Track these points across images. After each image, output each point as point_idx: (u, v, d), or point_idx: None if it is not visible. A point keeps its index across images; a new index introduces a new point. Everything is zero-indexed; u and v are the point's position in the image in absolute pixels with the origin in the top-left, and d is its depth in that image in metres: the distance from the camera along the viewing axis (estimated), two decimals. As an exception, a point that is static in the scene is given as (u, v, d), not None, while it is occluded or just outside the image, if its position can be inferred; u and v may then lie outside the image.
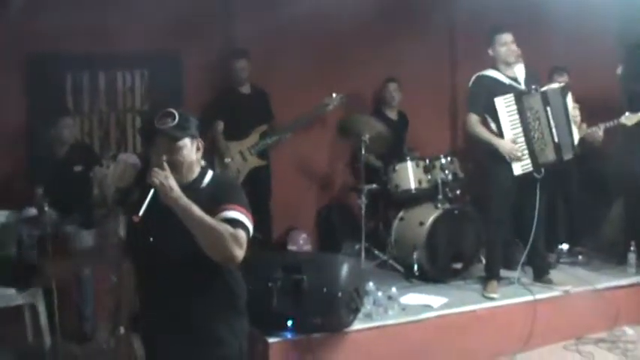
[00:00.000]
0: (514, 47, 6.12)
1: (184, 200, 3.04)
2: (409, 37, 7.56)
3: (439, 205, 6.74)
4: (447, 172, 6.90)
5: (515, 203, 6.23)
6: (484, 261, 6.60)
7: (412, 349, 5.47)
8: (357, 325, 5.33)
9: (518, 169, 6.04)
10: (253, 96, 7.25)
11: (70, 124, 6.54)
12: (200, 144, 3.29)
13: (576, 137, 6.24)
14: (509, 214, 6.28)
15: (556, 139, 6.10)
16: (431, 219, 6.62)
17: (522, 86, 6.09)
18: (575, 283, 6.43)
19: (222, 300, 3.26)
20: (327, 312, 5.06)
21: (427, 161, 6.98)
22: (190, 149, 3.24)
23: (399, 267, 6.89)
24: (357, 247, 6.94)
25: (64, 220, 6.07)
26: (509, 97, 6.01)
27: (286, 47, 7.32)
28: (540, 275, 6.46)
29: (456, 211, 6.79)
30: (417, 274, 6.62)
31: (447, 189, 6.91)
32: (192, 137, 3.24)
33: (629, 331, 6.22)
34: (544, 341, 6.00)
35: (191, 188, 3.22)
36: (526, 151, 6.04)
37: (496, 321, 5.93)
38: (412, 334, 5.57)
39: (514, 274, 6.45)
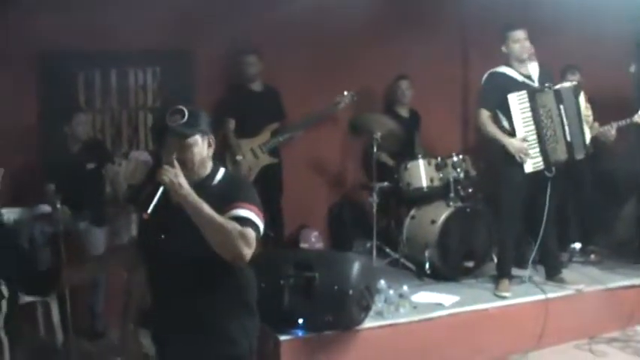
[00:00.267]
0: (527, 44, 6.10)
1: (194, 198, 3.03)
2: (420, 34, 7.54)
3: (451, 204, 6.73)
4: (458, 170, 6.88)
5: (527, 202, 6.21)
6: (496, 259, 6.60)
7: (423, 347, 5.47)
8: (368, 323, 5.34)
9: (529, 167, 6.02)
10: (265, 94, 7.24)
11: (83, 121, 6.55)
12: (211, 140, 3.28)
13: (588, 137, 6.22)
14: (520, 212, 6.26)
15: (568, 138, 6.08)
16: (442, 217, 6.61)
17: (536, 84, 6.08)
18: (587, 282, 6.43)
19: (232, 298, 3.25)
20: (339, 310, 5.06)
21: (439, 159, 6.96)
22: (201, 146, 3.23)
23: (410, 265, 6.89)
24: (368, 245, 6.95)
25: (77, 217, 6.08)
26: (523, 94, 5.99)
27: (298, 45, 7.30)
28: (552, 274, 6.44)
29: (467, 210, 6.77)
30: (428, 272, 6.62)
31: (459, 187, 6.90)
32: (203, 134, 3.23)
33: (642, 330, 6.22)
34: (556, 340, 5.98)
35: (202, 185, 3.21)
36: (537, 149, 6.03)
37: (508, 320, 5.92)
38: (423, 332, 5.57)
39: (526, 273, 6.43)
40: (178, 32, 6.84)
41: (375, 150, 6.86)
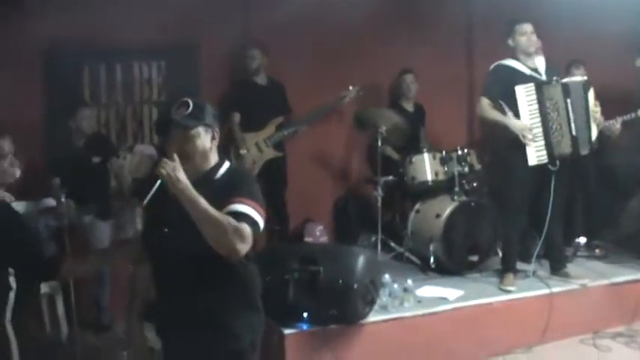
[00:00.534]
0: (534, 38, 6.09)
1: (190, 192, 3.04)
2: (426, 28, 7.55)
3: (455, 198, 6.73)
4: (463, 164, 6.88)
5: (532, 196, 6.21)
6: (500, 254, 6.59)
7: (428, 341, 5.47)
8: (372, 317, 5.33)
9: (533, 159, 6.01)
10: (270, 88, 7.25)
11: (88, 116, 6.56)
12: (216, 134, 3.29)
13: (594, 133, 6.20)
14: (525, 206, 6.25)
15: (574, 132, 6.06)
16: (447, 211, 6.61)
17: (543, 77, 6.07)
18: (592, 276, 6.40)
19: (234, 294, 3.24)
20: (343, 303, 5.06)
21: (444, 153, 6.97)
22: (204, 138, 3.24)
23: (415, 259, 6.89)
24: (373, 239, 6.96)
25: (82, 211, 6.09)
26: (530, 87, 5.98)
27: (303, 39, 7.31)
28: (557, 268, 6.44)
29: (472, 204, 6.78)
30: (433, 266, 6.62)
31: (464, 181, 6.90)
32: (207, 126, 3.24)
33: (647, 325, 6.21)
34: (560, 335, 5.97)
35: (205, 178, 3.23)
36: (542, 142, 6.01)
37: (512, 314, 5.91)
38: (428, 326, 5.56)
39: (530, 267, 6.42)
40: (183, 27, 6.86)
41: (380, 144, 6.86)
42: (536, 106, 5.99)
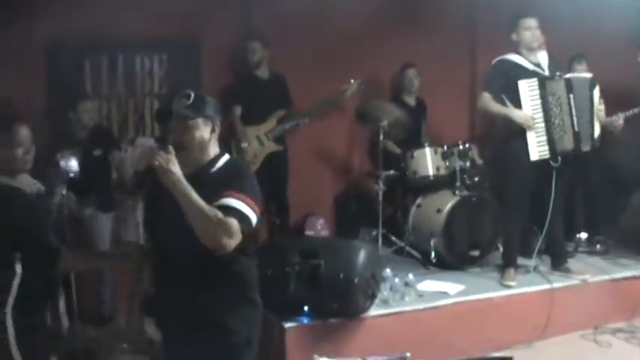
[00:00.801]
0: (538, 33, 6.09)
1: (182, 184, 3.05)
2: (427, 22, 7.54)
3: (457, 192, 6.74)
4: (464, 158, 6.88)
5: (533, 191, 6.20)
6: (501, 249, 6.60)
7: (428, 335, 5.47)
8: (373, 311, 5.34)
9: (534, 154, 6.00)
10: (271, 81, 7.23)
11: (89, 108, 6.56)
12: (216, 126, 3.30)
13: (597, 131, 6.20)
14: (526, 201, 6.25)
15: (576, 128, 6.05)
16: (448, 206, 6.61)
17: (546, 72, 6.07)
18: (593, 272, 6.42)
19: (230, 288, 3.25)
20: (344, 297, 5.06)
21: (445, 148, 6.96)
22: (202, 130, 3.25)
23: (416, 254, 6.90)
24: (374, 233, 6.95)
25: (83, 204, 6.08)
26: (533, 82, 5.98)
27: (304, 33, 7.29)
28: (558, 264, 6.44)
29: (473, 199, 6.78)
30: (434, 261, 6.63)
31: (465, 176, 6.90)
32: (207, 118, 3.26)
33: (647, 321, 6.21)
34: (561, 330, 5.98)
35: (202, 170, 3.25)
36: (544, 137, 6.01)
37: (513, 309, 5.91)
38: (429, 320, 5.57)
39: (532, 263, 6.43)
40: (185, 19, 6.85)
41: (381, 138, 6.84)
42: (538, 102, 5.98)
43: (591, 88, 6.13)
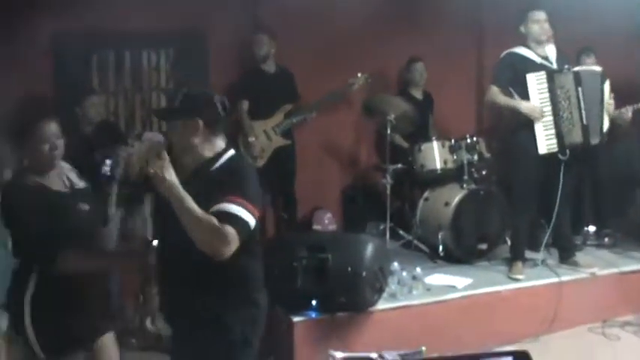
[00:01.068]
0: (547, 26, 6.07)
1: (177, 191, 3.03)
2: (435, 16, 7.51)
3: (464, 186, 6.72)
4: (472, 152, 6.86)
5: (541, 184, 6.19)
6: (509, 242, 6.59)
7: (436, 329, 5.47)
8: (381, 305, 5.35)
9: (543, 148, 5.99)
10: (278, 75, 7.21)
11: (95, 103, 6.55)
12: (196, 125, 3.20)
13: (606, 124, 6.18)
14: (534, 195, 6.24)
15: (585, 121, 6.03)
16: (456, 199, 6.60)
17: (554, 66, 6.04)
18: (601, 265, 6.40)
19: (229, 288, 3.22)
20: (352, 291, 5.06)
21: (453, 141, 6.94)
22: (182, 132, 3.23)
23: (423, 247, 6.90)
24: (381, 227, 6.94)
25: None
26: (542, 75, 5.96)
27: (311, 27, 7.28)
28: (566, 257, 6.43)
29: (481, 192, 6.76)
30: (441, 254, 6.62)
31: (473, 169, 6.88)
32: (186, 118, 3.21)
33: (656, 314, 6.19)
34: (569, 324, 5.97)
35: (201, 170, 3.23)
36: (553, 131, 5.99)
37: (521, 302, 5.91)
38: (436, 314, 5.57)
39: (539, 256, 6.42)
40: (192, 14, 6.84)
41: (389, 132, 6.83)
42: (547, 95, 5.96)
43: (602, 82, 6.11)
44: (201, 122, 3.20)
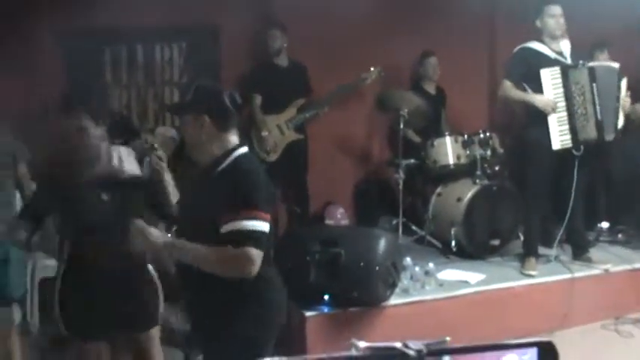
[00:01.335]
0: (562, 21, 6.03)
1: (169, 247, 3.13)
2: (448, 9, 7.48)
3: (477, 181, 6.70)
4: (485, 147, 6.84)
5: (555, 180, 6.17)
6: (522, 238, 6.57)
7: (449, 324, 5.45)
8: (394, 300, 5.34)
9: (557, 143, 5.96)
10: (291, 69, 7.20)
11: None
12: (202, 121, 3.15)
13: (621, 121, 6.15)
14: (547, 190, 6.22)
15: (599, 117, 5.99)
16: (469, 195, 6.59)
17: (568, 61, 6.01)
18: (614, 261, 6.37)
19: (236, 289, 3.14)
20: (364, 286, 5.06)
21: (466, 136, 6.93)
22: (192, 128, 3.19)
23: (436, 243, 6.88)
24: (394, 222, 6.93)
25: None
26: (556, 70, 5.93)
27: (324, 20, 7.26)
28: (579, 253, 6.40)
29: (494, 187, 6.74)
30: (454, 250, 6.61)
31: (486, 165, 6.86)
32: (195, 113, 3.17)
33: (669, 311, 6.16)
34: (582, 320, 5.95)
35: (207, 171, 3.19)
36: (567, 126, 5.97)
37: (533, 298, 5.90)
38: (449, 309, 5.56)
39: (553, 252, 6.40)
40: (204, 8, 6.84)
41: (401, 126, 6.82)
42: (561, 90, 5.94)
43: (619, 79, 6.08)
44: (207, 118, 3.15)
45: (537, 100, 5.96)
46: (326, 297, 5.12)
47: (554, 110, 5.92)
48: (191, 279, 3.23)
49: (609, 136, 6.10)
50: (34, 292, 5.83)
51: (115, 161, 3.79)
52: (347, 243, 5.07)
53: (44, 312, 5.98)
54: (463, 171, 6.92)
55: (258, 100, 7.01)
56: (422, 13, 7.54)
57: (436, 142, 6.96)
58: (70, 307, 3.79)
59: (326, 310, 5.15)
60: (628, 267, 6.32)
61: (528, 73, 5.99)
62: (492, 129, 7.15)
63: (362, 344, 1.65)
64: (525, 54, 6.08)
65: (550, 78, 5.92)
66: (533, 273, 6.06)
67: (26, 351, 5.19)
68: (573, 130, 5.97)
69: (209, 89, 3.29)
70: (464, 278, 5.93)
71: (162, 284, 3.99)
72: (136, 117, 7.15)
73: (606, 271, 6.19)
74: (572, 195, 6.05)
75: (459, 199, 6.62)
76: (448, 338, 1.69)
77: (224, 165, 3.16)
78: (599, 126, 6.01)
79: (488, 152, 6.85)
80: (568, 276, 6.04)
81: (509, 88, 6.09)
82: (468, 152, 6.90)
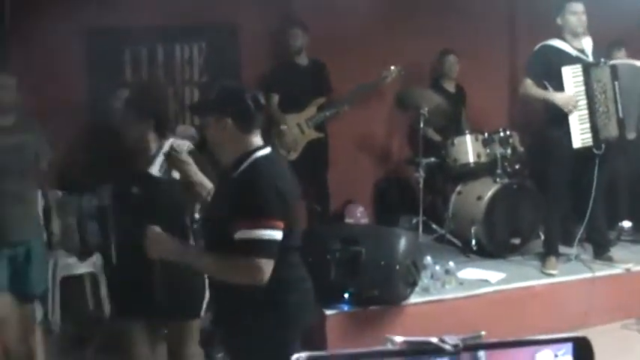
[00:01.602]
0: (584, 18, 5.99)
1: (184, 257, 3.20)
2: (468, 7, 7.48)
3: (498, 180, 6.68)
4: (505, 146, 6.82)
5: (575, 179, 6.14)
6: (543, 237, 6.54)
7: (469, 323, 5.43)
8: (414, 299, 5.35)
9: (577, 141, 5.93)
10: (311, 68, 7.21)
11: (124, 97, 6.57)
12: (224, 123, 3.13)
13: None
14: (568, 189, 6.19)
15: (620, 115, 5.96)
16: (489, 193, 6.57)
17: (590, 59, 5.98)
18: (636, 261, 6.31)
19: (251, 292, 3.11)
20: (385, 284, 5.06)
21: (486, 135, 6.90)
22: (214, 128, 3.19)
23: (456, 241, 6.87)
24: (414, 220, 6.92)
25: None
26: (577, 68, 5.90)
27: (344, 19, 7.26)
28: (600, 252, 6.37)
29: (514, 186, 6.72)
30: (474, 248, 6.59)
31: (506, 163, 6.84)
32: (216, 114, 3.17)
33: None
34: (603, 319, 5.90)
35: (227, 173, 3.19)
36: (588, 125, 5.94)
37: (554, 297, 5.87)
38: (469, 308, 5.55)
39: (573, 251, 6.37)
40: (224, 7, 6.86)
41: (421, 125, 6.81)
42: (582, 88, 5.90)
43: None
44: (230, 120, 3.13)
45: (557, 98, 5.93)
46: (346, 295, 5.13)
47: (574, 109, 5.89)
48: (217, 283, 3.27)
49: (631, 135, 6.07)
50: (55, 290, 5.88)
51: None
52: (367, 241, 5.07)
53: (66, 310, 6.04)
54: (483, 169, 6.90)
55: (275, 99, 7.00)
56: (442, 11, 7.54)
57: (456, 140, 6.94)
58: (117, 288, 4.13)
59: (346, 308, 5.16)
60: (650, 267, 6.28)
61: (549, 70, 5.97)
62: (513, 127, 7.14)
63: (398, 339, 1.65)
64: (546, 51, 6.05)
65: (571, 76, 5.89)
66: (553, 272, 6.04)
67: (48, 349, 5.23)
68: (594, 129, 5.94)
69: (232, 90, 3.26)
70: (484, 277, 5.92)
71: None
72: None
73: (627, 270, 6.15)
74: (593, 194, 6.02)
75: (480, 198, 6.60)
76: (483, 333, 1.69)
77: (243, 167, 3.13)
78: (621, 124, 5.98)
79: (509, 151, 6.84)
80: (589, 275, 6.01)
81: (530, 86, 6.07)
82: (488, 151, 6.87)
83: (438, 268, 5.66)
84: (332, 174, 7.31)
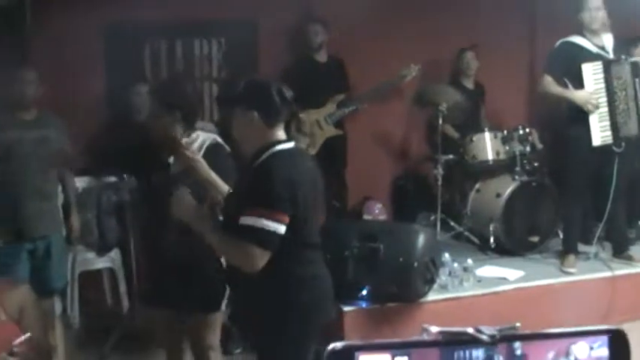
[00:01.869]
0: (600, 14, 5.94)
1: (199, 225, 3.24)
2: (488, 4, 7.45)
3: (516, 177, 6.65)
4: (524, 143, 6.79)
5: (595, 176, 6.11)
6: (561, 235, 6.52)
7: (487, 321, 5.37)
8: (432, 296, 5.34)
9: (597, 139, 5.90)
10: (330, 64, 7.20)
11: (143, 92, 6.57)
12: (251, 116, 3.17)
13: None
14: (587, 187, 6.16)
15: (641, 113, 5.94)
16: (508, 191, 6.54)
17: (610, 55, 5.95)
18: (656, 260, 6.30)
19: (262, 292, 3.18)
20: (403, 281, 5.06)
21: (505, 132, 6.87)
22: (240, 121, 3.22)
23: (474, 239, 6.85)
24: (432, 217, 6.91)
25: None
26: (598, 65, 5.87)
27: (363, 16, 7.24)
28: (620, 251, 6.34)
29: (533, 184, 6.70)
30: (493, 246, 6.57)
31: (525, 161, 6.80)
32: (243, 107, 3.21)
33: None
34: (622, 318, 5.85)
35: (249, 164, 3.23)
36: (608, 122, 5.90)
37: (573, 296, 5.84)
38: (487, 306, 5.54)
39: (592, 249, 6.34)
40: (243, 3, 6.86)
41: (440, 122, 6.79)
42: (602, 85, 5.87)
43: None
44: (256, 113, 3.17)
45: (577, 96, 5.90)
46: (364, 292, 5.13)
47: (594, 107, 5.86)
48: (233, 273, 3.28)
49: (651, 133, 6.03)
50: (74, 285, 5.91)
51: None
52: (386, 238, 5.06)
53: (85, 305, 6.07)
54: (502, 167, 6.87)
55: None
56: (462, 7, 7.51)
57: (475, 137, 6.91)
58: (144, 277, 4.36)
59: (364, 305, 5.17)
60: (670, 265, 6.25)
61: (569, 67, 5.93)
62: (532, 124, 7.10)
63: (434, 329, 1.64)
64: (566, 48, 6.01)
65: (592, 73, 5.86)
66: (572, 270, 6.02)
67: (67, 344, 5.25)
68: (614, 126, 5.91)
69: (259, 84, 3.31)
70: (502, 275, 5.90)
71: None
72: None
73: (647, 269, 6.13)
74: (612, 192, 5.99)
75: (498, 195, 6.58)
76: (519, 324, 1.69)
77: (262, 158, 3.17)
78: (642, 122, 5.95)
79: (528, 148, 6.80)
80: (608, 274, 5.99)
81: (550, 84, 6.03)
82: (507, 148, 6.84)
83: (456, 265, 5.64)
84: (350, 171, 7.31)
